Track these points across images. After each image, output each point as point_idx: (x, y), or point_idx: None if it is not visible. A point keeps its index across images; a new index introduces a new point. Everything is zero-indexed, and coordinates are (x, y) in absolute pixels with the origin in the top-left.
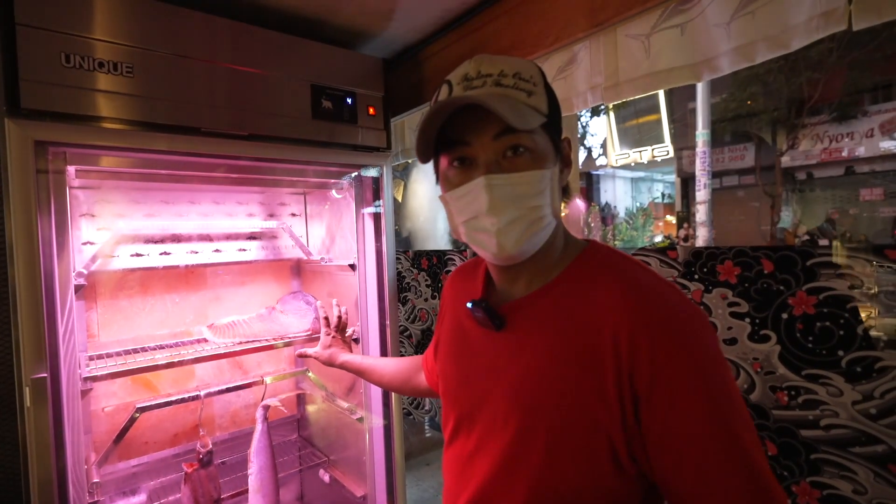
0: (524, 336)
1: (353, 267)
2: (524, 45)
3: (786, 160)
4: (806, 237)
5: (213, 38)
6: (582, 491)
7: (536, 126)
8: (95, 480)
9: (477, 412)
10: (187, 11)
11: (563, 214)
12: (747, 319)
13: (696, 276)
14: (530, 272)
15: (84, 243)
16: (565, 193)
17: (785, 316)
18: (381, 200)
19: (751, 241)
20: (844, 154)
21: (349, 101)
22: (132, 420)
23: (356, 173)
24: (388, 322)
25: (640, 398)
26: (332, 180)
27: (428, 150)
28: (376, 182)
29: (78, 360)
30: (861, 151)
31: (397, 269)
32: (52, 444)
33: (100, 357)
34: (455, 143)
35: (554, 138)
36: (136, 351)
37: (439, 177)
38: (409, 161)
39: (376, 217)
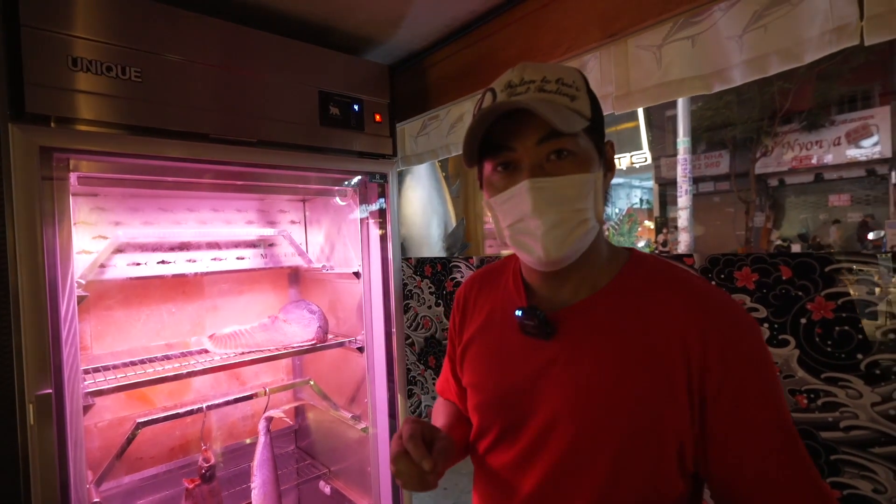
0: (577, 343)
1: (357, 275)
2: (534, 55)
3: (759, 167)
4: (779, 241)
5: (223, 44)
6: (647, 497)
7: (580, 130)
8: (96, 500)
9: (522, 423)
10: (197, 16)
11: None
12: (766, 324)
13: (713, 283)
14: (577, 278)
15: (79, 252)
16: (607, 198)
17: (804, 321)
18: (386, 207)
19: (726, 244)
20: (814, 161)
21: (356, 107)
22: (133, 436)
23: (359, 178)
24: (394, 329)
25: (706, 398)
26: (336, 187)
27: (473, 155)
28: (382, 189)
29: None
30: (829, 159)
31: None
32: (56, 464)
33: (96, 370)
34: (499, 148)
35: (597, 142)
36: (133, 363)
37: (483, 182)
38: (403, 168)
39: (381, 224)
